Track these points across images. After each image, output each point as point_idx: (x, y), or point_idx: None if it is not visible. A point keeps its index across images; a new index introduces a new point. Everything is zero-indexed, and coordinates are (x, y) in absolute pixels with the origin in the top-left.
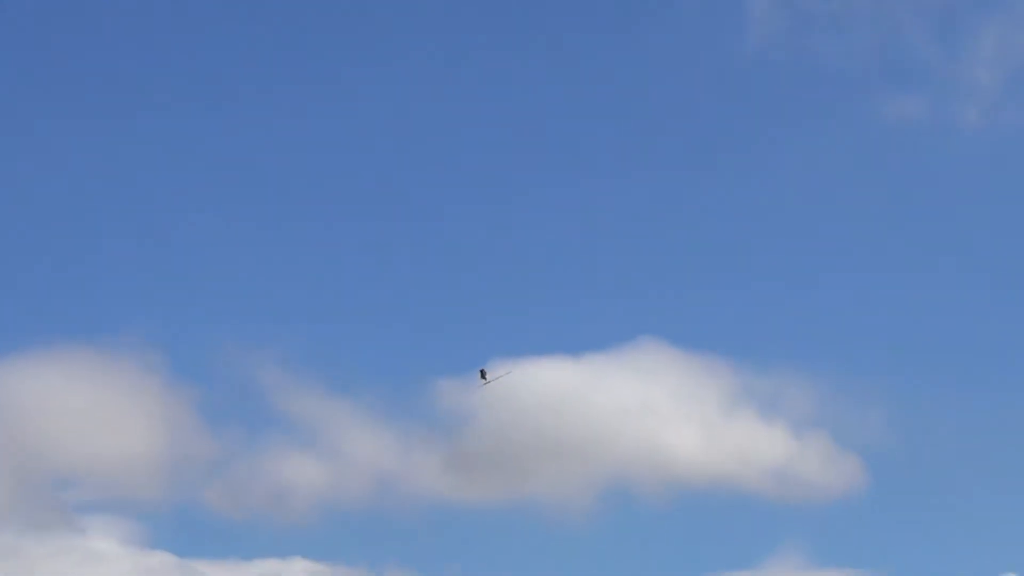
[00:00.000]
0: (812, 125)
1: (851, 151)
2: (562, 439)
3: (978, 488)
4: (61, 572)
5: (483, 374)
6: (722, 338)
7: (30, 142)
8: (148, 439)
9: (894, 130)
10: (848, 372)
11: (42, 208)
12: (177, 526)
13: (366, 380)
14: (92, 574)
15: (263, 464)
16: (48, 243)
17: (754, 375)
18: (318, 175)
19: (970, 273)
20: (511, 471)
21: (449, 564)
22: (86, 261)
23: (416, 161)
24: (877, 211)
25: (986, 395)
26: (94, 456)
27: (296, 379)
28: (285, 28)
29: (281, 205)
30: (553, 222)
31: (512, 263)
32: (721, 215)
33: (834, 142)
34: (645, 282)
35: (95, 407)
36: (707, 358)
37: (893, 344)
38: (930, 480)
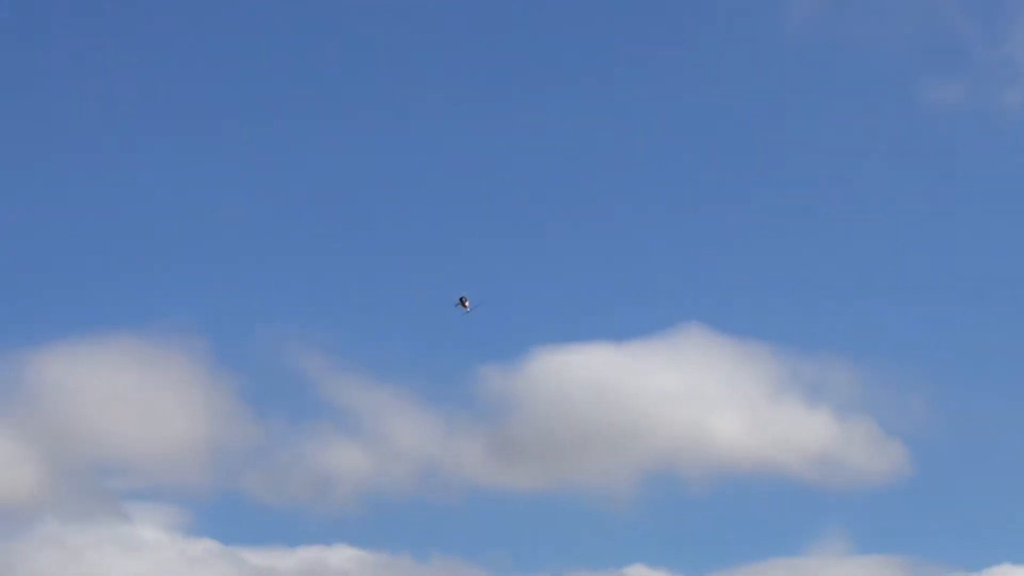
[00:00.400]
0: (852, 109)
1: (891, 135)
2: (606, 425)
3: (1023, 474)
4: (106, 560)
5: (463, 301)
6: (766, 324)
7: (76, 137)
8: (192, 427)
9: (934, 115)
10: (892, 358)
11: (86, 199)
12: (221, 513)
13: (409, 367)
14: (137, 561)
15: (307, 451)
16: (93, 232)
17: (798, 361)
18: (363, 165)
19: (1014, 258)
20: (555, 457)
21: (493, 550)
22: (131, 250)
23: (460, 149)
24: (917, 195)
25: None
26: (139, 444)
27: (339, 366)
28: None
29: (324, 194)
30: (596, 210)
31: (556, 250)
32: (761, 200)
33: (874, 126)
34: (688, 269)
35: (140, 395)
36: (751, 344)
37: (937, 329)
38: (974, 466)
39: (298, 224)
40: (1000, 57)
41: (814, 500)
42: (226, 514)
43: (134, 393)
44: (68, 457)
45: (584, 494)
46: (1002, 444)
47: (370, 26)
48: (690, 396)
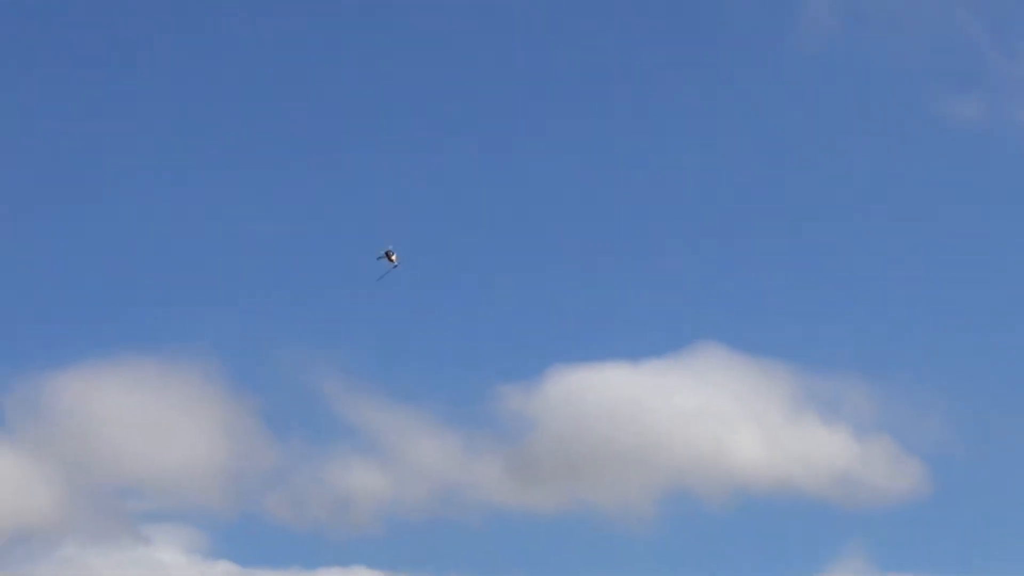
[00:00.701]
0: (868, 126)
1: (908, 153)
2: (623, 445)
3: None
4: None
5: (388, 255)
6: (783, 342)
7: (91, 160)
8: (211, 448)
9: (951, 131)
10: (910, 375)
11: (102, 222)
12: (240, 535)
13: (427, 387)
14: None
15: (325, 473)
16: (111, 254)
17: (815, 379)
18: (378, 187)
19: None
20: (573, 477)
21: (511, 571)
22: (148, 271)
23: (474, 167)
24: (935, 213)
25: None
26: (157, 466)
27: (357, 387)
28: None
29: (341, 216)
30: (611, 229)
31: (570, 269)
32: (777, 218)
33: (891, 144)
34: (704, 286)
35: (158, 417)
36: (768, 362)
37: (956, 347)
38: (994, 483)
39: (315, 246)
40: (1018, 72)
41: (833, 519)
42: (244, 536)
43: (152, 415)
44: (86, 479)
45: (602, 514)
46: (1022, 461)
47: (398, 52)
48: (707, 415)
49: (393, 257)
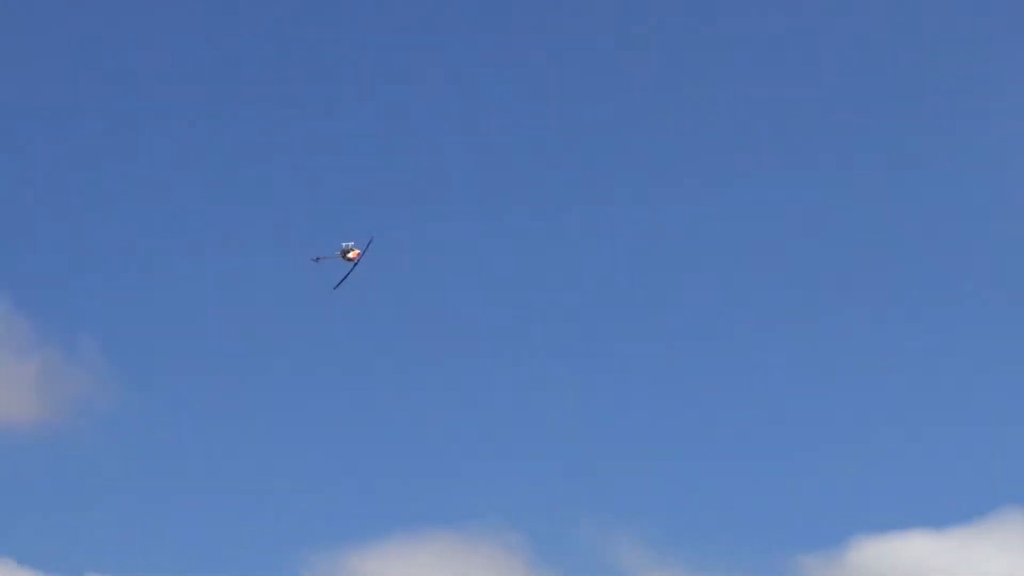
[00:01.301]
0: None
1: None
2: None
3: None
4: None
5: (344, 254)
6: None
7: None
8: None
9: None
10: None
11: (393, 404)
12: None
13: (726, 559)
14: None
15: None
16: (406, 436)
17: None
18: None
19: None
20: None
21: None
22: (447, 447)
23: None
24: None
25: None
26: None
27: (656, 559)
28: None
29: (631, 388)
30: (909, 394)
31: (871, 437)
32: None
33: None
34: (1007, 451)
35: None
36: None
37: None
38: None
39: (609, 415)
40: None
41: None
42: None
43: None
44: None
45: None
46: None
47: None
48: None
49: (351, 255)
